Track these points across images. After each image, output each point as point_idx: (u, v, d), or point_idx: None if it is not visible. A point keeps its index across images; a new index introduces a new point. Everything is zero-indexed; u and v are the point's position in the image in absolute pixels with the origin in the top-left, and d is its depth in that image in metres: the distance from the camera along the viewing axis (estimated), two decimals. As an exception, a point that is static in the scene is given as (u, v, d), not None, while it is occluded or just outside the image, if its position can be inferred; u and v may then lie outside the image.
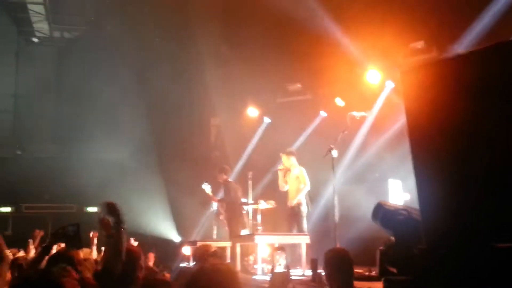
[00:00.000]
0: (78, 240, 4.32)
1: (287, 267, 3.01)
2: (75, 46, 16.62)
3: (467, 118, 3.75)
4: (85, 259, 4.47)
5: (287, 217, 9.00)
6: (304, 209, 8.79)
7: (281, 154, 9.23)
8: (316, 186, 9.33)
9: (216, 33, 13.43)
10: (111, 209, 3.90)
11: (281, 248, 2.93)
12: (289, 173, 9.06)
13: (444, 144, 3.87)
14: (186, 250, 10.39)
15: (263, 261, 7.69)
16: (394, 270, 4.69)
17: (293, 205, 8.80)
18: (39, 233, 8.08)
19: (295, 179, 8.95)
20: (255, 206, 8.78)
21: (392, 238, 4.89)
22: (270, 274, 3.04)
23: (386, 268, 4.91)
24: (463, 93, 3.83)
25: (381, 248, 5.26)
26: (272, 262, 3.11)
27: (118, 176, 13.00)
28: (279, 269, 3.02)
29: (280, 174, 9.14)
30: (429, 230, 3.79)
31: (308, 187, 8.86)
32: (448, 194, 3.75)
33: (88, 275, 4.02)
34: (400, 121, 9.82)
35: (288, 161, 9.11)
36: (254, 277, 7.12)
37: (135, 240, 8.54)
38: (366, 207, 8.03)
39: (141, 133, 14.33)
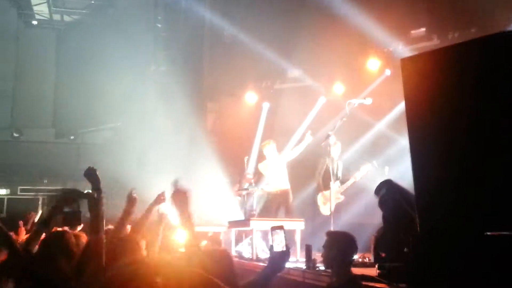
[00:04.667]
0: (77, 216, 4.22)
1: (287, 246, 2.98)
2: (75, 29, 16.49)
3: (464, 105, 3.71)
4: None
5: (274, 201, 9.03)
6: (291, 198, 8.84)
7: (269, 141, 9.30)
8: (312, 173, 9.32)
9: (219, 18, 13.34)
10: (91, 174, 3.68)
11: (280, 226, 2.91)
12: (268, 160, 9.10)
13: (441, 132, 3.84)
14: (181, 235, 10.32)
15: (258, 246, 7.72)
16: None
17: (285, 189, 8.82)
18: (33, 216, 8.05)
19: (283, 167, 8.93)
20: (249, 191, 8.82)
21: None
22: (269, 253, 3.00)
23: (380, 254, 4.93)
24: (461, 81, 3.80)
25: (375, 234, 5.28)
26: (270, 241, 3.10)
27: (110, 160, 12.95)
28: (278, 248, 2.98)
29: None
30: (423, 216, 3.77)
31: None
32: (444, 182, 3.72)
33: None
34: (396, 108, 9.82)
35: (271, 149, 9.16)
36: (250, 261, 7.14)
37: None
38: (361, 193, 8.04)
39: (137, 117, 14.28)
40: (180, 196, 3.05)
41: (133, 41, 14.40)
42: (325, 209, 8.22)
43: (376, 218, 7.85)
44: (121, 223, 4.40)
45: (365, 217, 8.21)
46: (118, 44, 14.43)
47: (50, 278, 3.05)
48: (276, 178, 9.01)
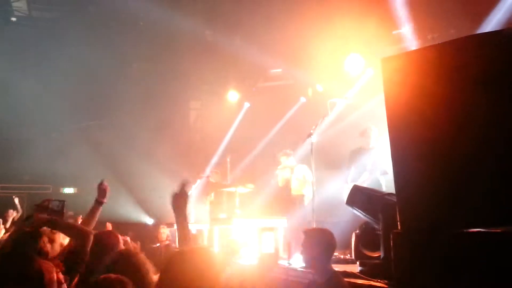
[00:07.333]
0: (61, 216, 4.33)
1: (276, 248, 3.00)
2: (55, 27, 16.29)
3: (444, 105, 3.78)
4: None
5: (285, 204, 9.18)
6: (305, 202, 9.02)
7: (280, 155, 9.52)
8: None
9: (200, 17, 13.30)
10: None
11: (269, 228, 2.93)
12: (288, 170, 9.32)
13: (421, 130, 3.90)
14: (165, 232, 10.43)
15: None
16: (369, 253, 4.75)
17: (299, 194, 9.13)
18: (12, 214, 7.93)
19: (302, 178, 9.19)
20: (233, 189, 8.83)
21: (370, 222, 4.95)
22: (258, 255, 3.03)
23: (361, 251, 4.97)
24: (441, 80, 3.87)
25: (356, 231, 5.32)
26: (259, 242, 3.14)
27: (95, 159, 12.88)
28: (267, 250, 3.01)
29: (279, 173, 9.41)
30: (404, 214, 3.83)
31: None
32: (424, 179, 3.79)
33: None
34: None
35: (288, 160, 9.40)
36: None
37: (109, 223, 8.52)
38: (342, 191, 8.11)
39: (120, 115, 14.20)
40: (181, 199, 3.09)
41: (114, 39, 14.28)
42: None
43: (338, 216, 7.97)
44: (90, 215, 4.42)
45: (348, 215, 8.27)
46: (99, 42, 14.30)
47: (24, 274, 3.06)
48: (293, 184, 9.27)
